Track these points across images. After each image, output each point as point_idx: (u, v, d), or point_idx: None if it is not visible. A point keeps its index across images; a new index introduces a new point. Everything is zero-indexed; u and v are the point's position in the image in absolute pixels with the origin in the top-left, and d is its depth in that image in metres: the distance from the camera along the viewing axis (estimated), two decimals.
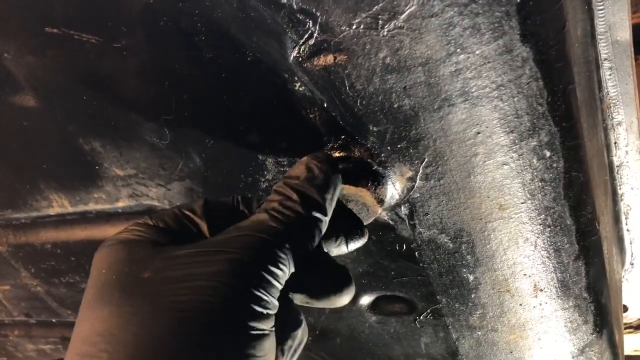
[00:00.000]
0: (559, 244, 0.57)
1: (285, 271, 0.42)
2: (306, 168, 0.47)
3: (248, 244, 0.42)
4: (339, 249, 0.51)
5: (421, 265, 0.61)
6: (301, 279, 0.45)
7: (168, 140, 0.60)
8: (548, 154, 0.51)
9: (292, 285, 0.45)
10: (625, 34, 0.69)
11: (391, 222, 0.59)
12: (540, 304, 0.61)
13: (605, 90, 0.72)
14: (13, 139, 0.68)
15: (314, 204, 0.45)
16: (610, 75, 0.72)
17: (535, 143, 0.50)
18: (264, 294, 0.40)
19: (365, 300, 0.69)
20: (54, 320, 1.00)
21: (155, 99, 0.57)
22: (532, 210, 0.54)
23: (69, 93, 0.60)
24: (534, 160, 0.51)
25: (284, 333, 0.45)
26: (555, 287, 0.60)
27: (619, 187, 0.82)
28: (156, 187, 0.66)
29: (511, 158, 0.50)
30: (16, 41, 0.57)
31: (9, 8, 0.55)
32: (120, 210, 0.72)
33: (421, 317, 0.67)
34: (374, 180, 0.52)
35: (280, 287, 0.42)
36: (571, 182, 0.54)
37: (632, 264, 0.93)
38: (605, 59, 0.70)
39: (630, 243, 0.91)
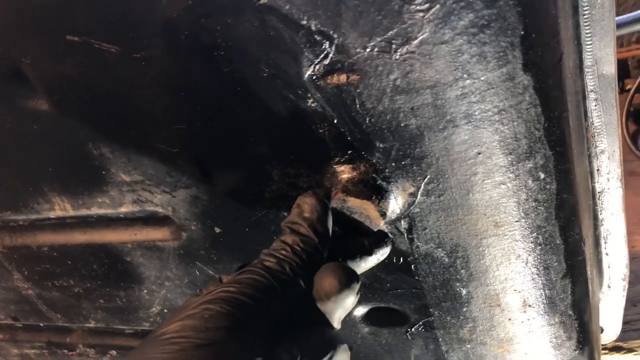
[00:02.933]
0: (548, 262, 0.60)
1: None
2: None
3: None
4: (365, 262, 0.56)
5: (416, 278, 0.64)
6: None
7: (178, 149, 0.62)
8: (542, 175, 0.54)
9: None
10: (610, 68, 0.73)
11: (390, 236, 0.61)
12: (529, 319, 0.64)
13: (590, 119, 0.76)
14: (20, 142, 0.70)
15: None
16: (595, 106, 0.76)
17: (531, 165, 0.53)
18: None
19: (360, 311, 0.71)
20: (41, 325, 1.00)
21: (169, 109, 0.59)
22: (525, 228, 0.57)
23: (84, 100, 0.62)
24: (529, 181, 0.54)
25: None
26: (543, 304, 0.63)
27: (600, 212, 0.85)
28: (161, 193, 0.68)
29: (508, 178, 0.53)
30: (36, 47, 0.59)
31: (31, 14, 0.57)
32: (122, 216, 0.74)
33: (413, 329, 0.70)
34: (378, 194, 0.55)
35: None
36: (562, 203, 0.57)
37: (609, 287, 0.97)
38: (591, 91, 0.74)
39: (609, 267, 0.95)
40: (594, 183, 0.81)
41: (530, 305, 0.63)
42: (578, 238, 0.62)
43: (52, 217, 0.78)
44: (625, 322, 0.99)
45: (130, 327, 0.90)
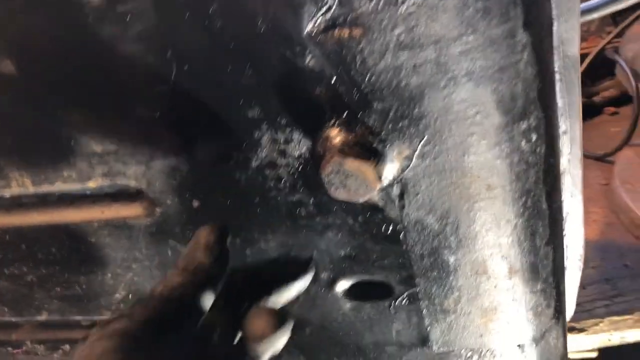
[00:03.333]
0: (534, 227, 0.61)
1: None
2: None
3: None
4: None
5: (404, 247, 0.64)
6: None
7: (159, 113, 0.59)
8: (534, 138, 0.55)
9: None
10: (574, 50, 0.76)
11: (381, 203, 0.60)
12: (513, 287, 0.65)
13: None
14: None
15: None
16: (559, 86, 0.79)
17: (525, 127, 0.54)
18: None
19: (343, 285, 0.70)
20: None
21: (153, 70, 0.56)
22: (516, 191, 0.58)
23: (57, 61, 0.57)
24: (523, 143, 0.55)
25: None
26: (528, 270, 0.64)
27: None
28: (136, 165, 0.64)
29: (503, 139, 0.54)
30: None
31: None
32: (88, 192, 0.69)
33: (397, 302, 0.69)
34: (375, 157, 0.54)
35: None
36: (549, 168, 0.58)
37: (566, 267, 1.00)
38: (556, 72, 0.77)
39: (566, 246, 0.98)
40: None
41: (515, 272, 0.63)
42: (559, 206, 0.64)
43: (6, 196, 0.72)
44: (576, 304, 1.02)
45: (89, 318, 0.85)
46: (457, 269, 0.64)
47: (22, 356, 0.94)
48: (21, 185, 0.69)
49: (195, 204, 0.66)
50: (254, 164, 0.61)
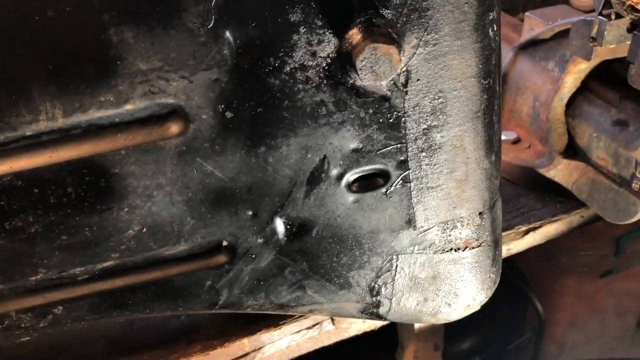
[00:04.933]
0: (493, 104, 0.82)
1: None
2: None
3: None
4: None
5: (403, 132, 0.80)
6: None
7: (211, 23, 0.69)
8: (495, 27, 0.77)
9: None
10: None
11: (389, 93, 0.77)
12: (477, 159, 0.85)
13: None
14: (17, 36, 0.67)
15: None
16: None
17: (491, 17, 0.75)
18: None
19: (348, 178, 0.84)
20: None
21: None
22: (484, 72, 0.78)
23: None
24: (490, 30, 0.76)
25: None
26: (487, 142, 0.85)
27: None
28: (179, 79, 0.72)
29: (480, 26, 0.75)
30: None
31: None
32: (117, 120, 0.74)
33: (392, 187, 0.85)
34: (396, 42, 0.71)
35: None
36: (499, 56, 0.81)
37: None
38: None
39: None
40: None
41: (481, 143, 0.84)
42: (499, 92, 0.86)
43: (28, 133, 0.74)
44: None
45: (90, 267, 0.86)
46: (442, 145, 0.82)
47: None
48: (51, 118, 0.72)
49: (229, 115, 0.76)
50: (288, 67, 0.74)
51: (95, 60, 0.70)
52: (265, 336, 1.18)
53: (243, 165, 0.80)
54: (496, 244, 0.96)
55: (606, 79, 1.39)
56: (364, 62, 0.70)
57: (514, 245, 1.39)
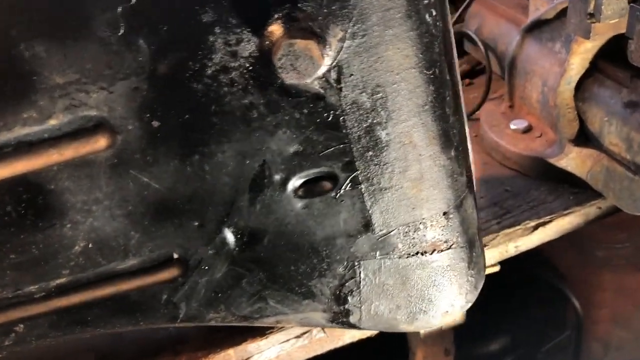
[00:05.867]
0: (443, 95, 0.76)
1: None
2: None
3: None
4: None
5: (344, 132, 0.75)
6: None
7: (121, 32, 0.66)
8: (434, 12, 0.71)
9: None
10: None
11: (322, 91, 0.72)
12: (433, 154, 0.79)
13: None
14: None
15: None
16: None
17: (426, 2, 0.69)
18: None
19: (293, 184, 0.79)
20: None
21: None
22: (426, 61, 0.72)
23: None
24: (427, 16, 0.70)
25: None
26: (443, 136, 0.78)
27: None
28: (98, 90, 0.70)
29: (413, 11, 0.68)
30: None
31: None
32: (46, 136, 0.73)
33: (341, 191, 0.80)
34: (317, 37, 0.66)
35: None
36: (447, 41, 0.74)
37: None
38: None
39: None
40: None
41: (433, 138, 0.78)
42: (457, 80, 0.80)
43: None
44: None
45: (43, 286, 0.85)
46: (389, 143, 0.76)
47: None
48: None
49: (156, 124, 0.73)
50: (209, 70, 0.70)
51: (10, 77, 0.69)
52: (251, 346, 1.14)
53: (179, 175, 0.77)
54: (471, 245, 0.89)
55: (617, 57, 1.28)
56: (282, 60, 0.66)
57: (522, 242, 1.30)
